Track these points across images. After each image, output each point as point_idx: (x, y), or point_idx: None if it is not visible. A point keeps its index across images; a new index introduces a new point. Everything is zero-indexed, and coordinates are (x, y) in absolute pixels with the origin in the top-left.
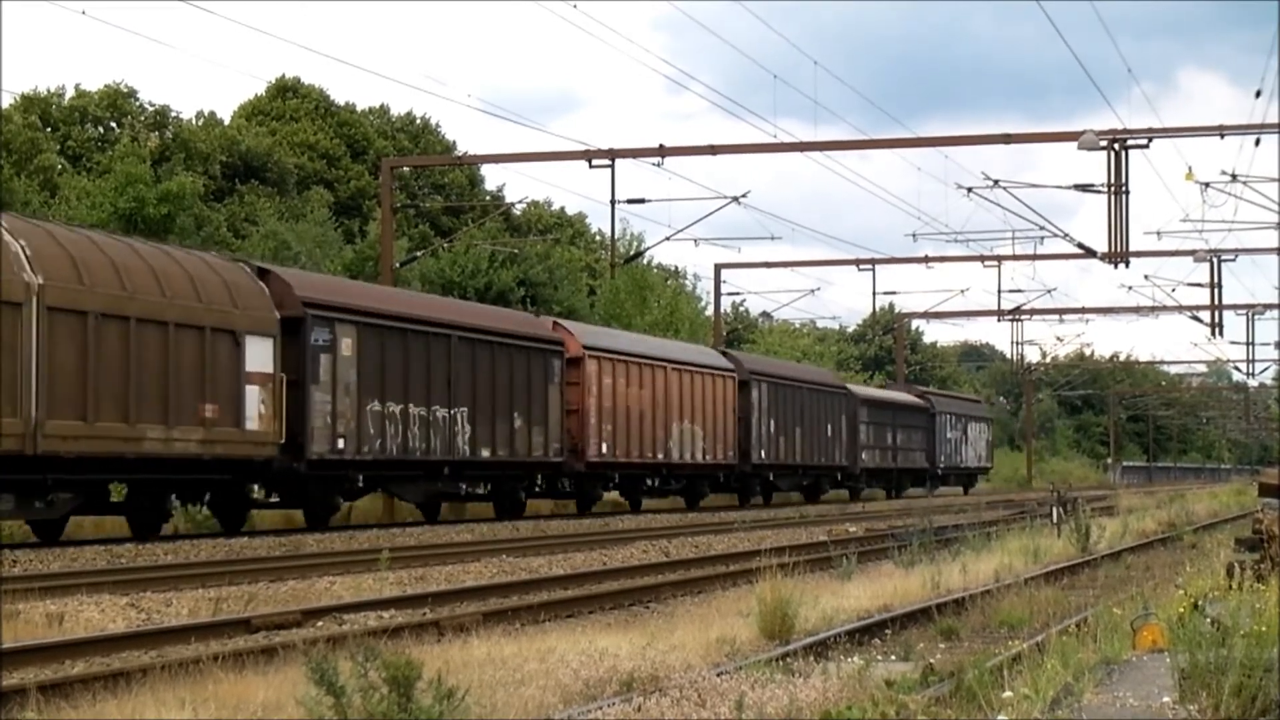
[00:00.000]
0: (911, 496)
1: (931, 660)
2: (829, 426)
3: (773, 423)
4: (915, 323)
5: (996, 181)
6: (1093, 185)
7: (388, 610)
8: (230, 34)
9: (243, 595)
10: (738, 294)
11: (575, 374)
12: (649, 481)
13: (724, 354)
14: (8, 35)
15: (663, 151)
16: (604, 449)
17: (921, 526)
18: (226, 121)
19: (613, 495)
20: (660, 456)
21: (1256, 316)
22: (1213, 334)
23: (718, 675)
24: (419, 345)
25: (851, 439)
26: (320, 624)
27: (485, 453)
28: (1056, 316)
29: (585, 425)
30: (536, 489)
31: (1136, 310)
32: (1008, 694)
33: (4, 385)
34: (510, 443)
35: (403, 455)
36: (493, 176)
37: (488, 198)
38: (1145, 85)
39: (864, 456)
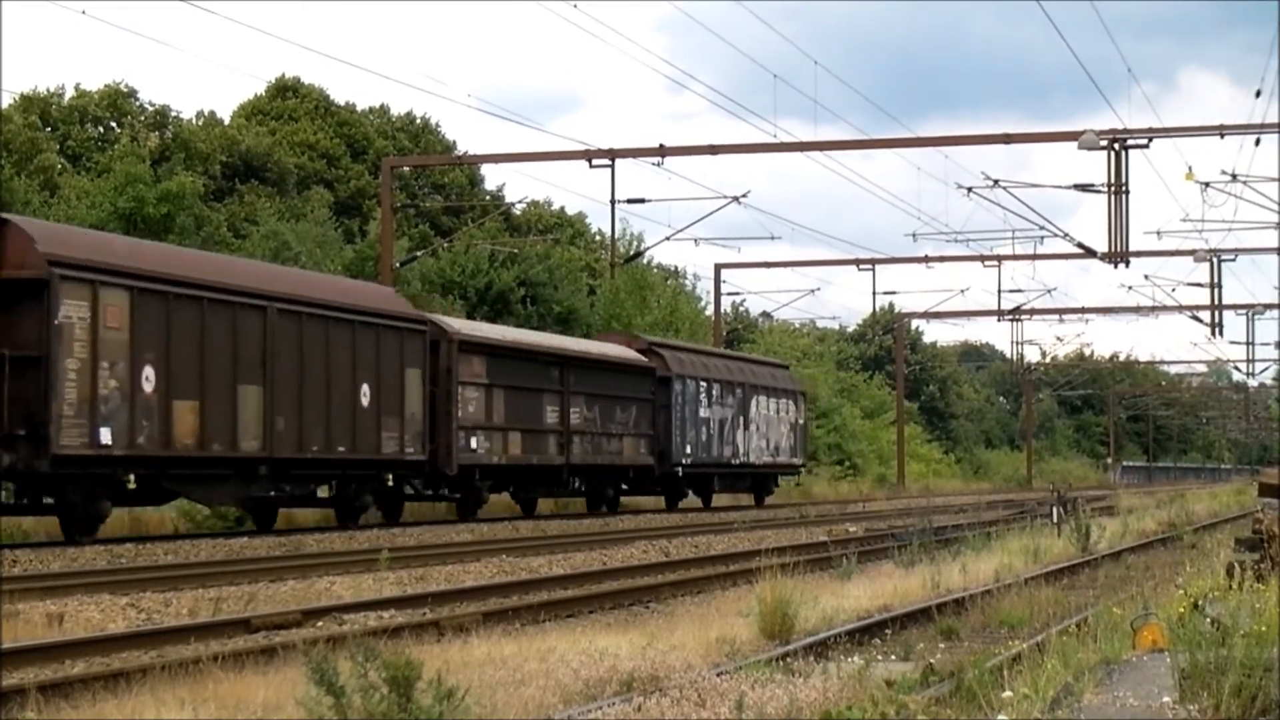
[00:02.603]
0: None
1: (932, 660)
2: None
3: None
4: (915, 323)
5: (996, 181)
6: (1093, 185)
7: (388, 610)
8: (230, 34)
9: (242, 595)
10: (738, 294)
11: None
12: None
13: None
14: (8, 35)
15: (663, 151)
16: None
17: (921, 526)
18: (226, 121)
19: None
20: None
21: (1256, 316)
22: (1213, 334)
23: (718, 675)
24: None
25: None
26: (320, 624)
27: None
28: (1056, 316)
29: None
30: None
31: (1136, 310)
32: (1008, 694)
33: None
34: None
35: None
36: (492, 176)
37: (487, 198)
38: (1145, 85)
39: (480, 446)
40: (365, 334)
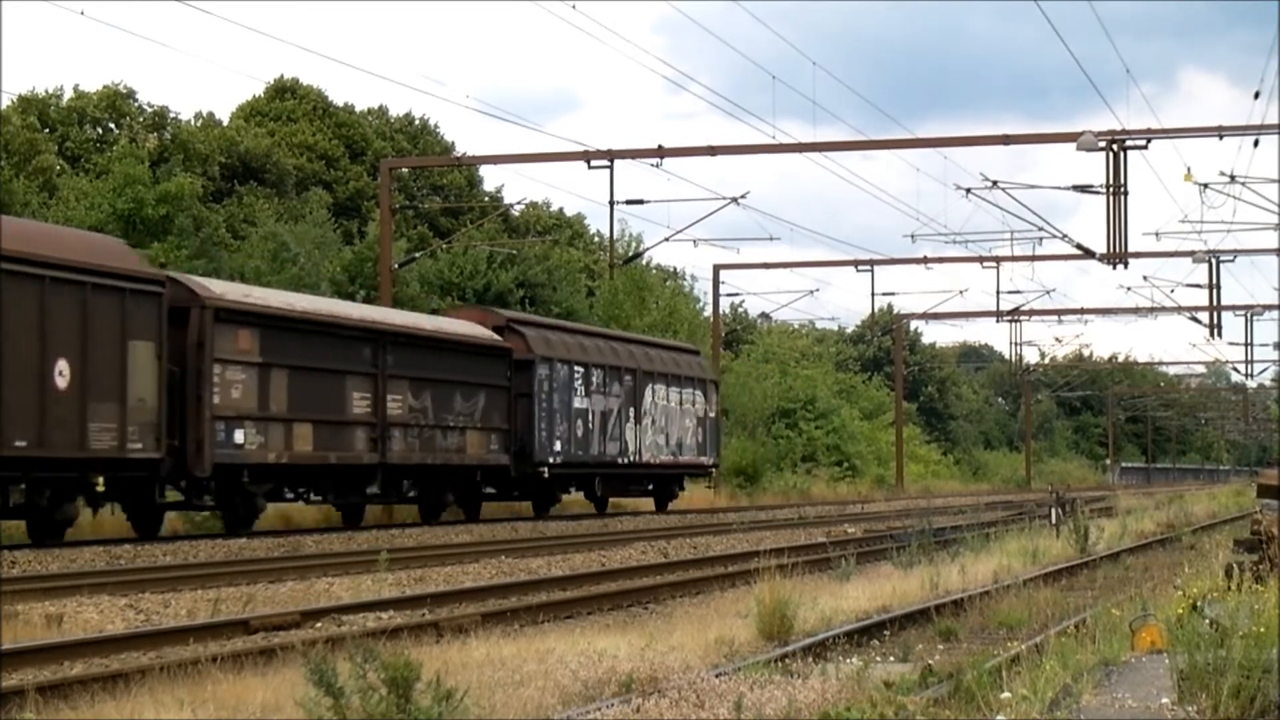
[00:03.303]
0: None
1: (930, 661)
2: None
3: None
4: (914, 324)
5: (995, 182)
6: (1091, 186)
7: (387, 611)
8: (229, 34)
9: (241, 596)
10: (737, 295)
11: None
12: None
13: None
14: (7, 36)
15: (662, 152)
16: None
17: (920, 528)
18: (225, 122)
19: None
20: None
21: (1255, 317)
22: (1211, 335)
23: (716, 676)
24: None
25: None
26: (319, 625)
27: None
28: (1055, 317)
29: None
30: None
31: (1135, 311)
32: (1006, 695)
33: None
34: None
35: None
36: (491, 177)
37: (486, 199)
38: (1145, 86)
39: (248, 441)
40: (62, 295)
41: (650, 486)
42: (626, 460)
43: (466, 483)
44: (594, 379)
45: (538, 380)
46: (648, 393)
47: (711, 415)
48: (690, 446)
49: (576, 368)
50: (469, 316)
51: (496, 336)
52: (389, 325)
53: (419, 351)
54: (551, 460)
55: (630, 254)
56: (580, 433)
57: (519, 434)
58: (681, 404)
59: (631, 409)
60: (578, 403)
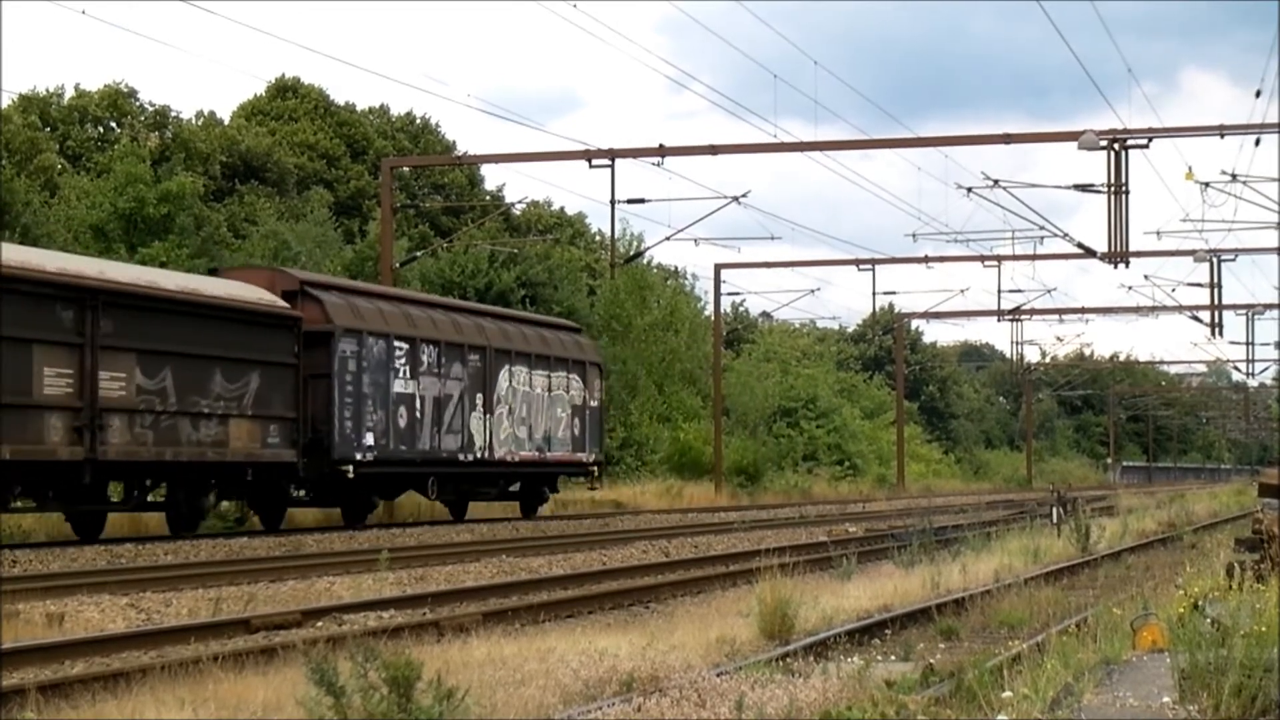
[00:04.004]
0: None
1: (931, 660)
2: None
3: None
4: (915, 323)
5: (996, 181)
6: (1093, 185)
7: (387, 610)
8: (230, 34)
9: (242, 595)
10: (738, 294)
11: None
12: None
13: None
14: (8, 35)
15: (663, 151)
16: None
17: (921, 527)
18: (226, 121)
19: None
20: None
21: (1256, 316)
22: (1212, 334)
23: (717, 675)
24: None
25: None
26: (320, 624)
27: None
28: (1056, 316)
29: None
30: None
31: (1136, 310)
32: (1008, 694)
33: None
34: None
35: None
36: (492, 176)
37: (487, 198)
38: (1146, 85)
39: None
40: None
41: (510, 488)
42: (473, 457)
43: (237, 484)
44: (424, 357)
45: (339, 357)
46: (503, 376)
47: (594, 404)
48: (563, 441)
49: (398, 343)
50: (252, 278)
51: (280, 302)
52: (104, 282)
53: (155, 317)
54: (359, 457)
55: (631, 253)
56: (404, 423)
57: (312, 424)
58: (551, 390)
59: (480, 395)
60: (399, 386)
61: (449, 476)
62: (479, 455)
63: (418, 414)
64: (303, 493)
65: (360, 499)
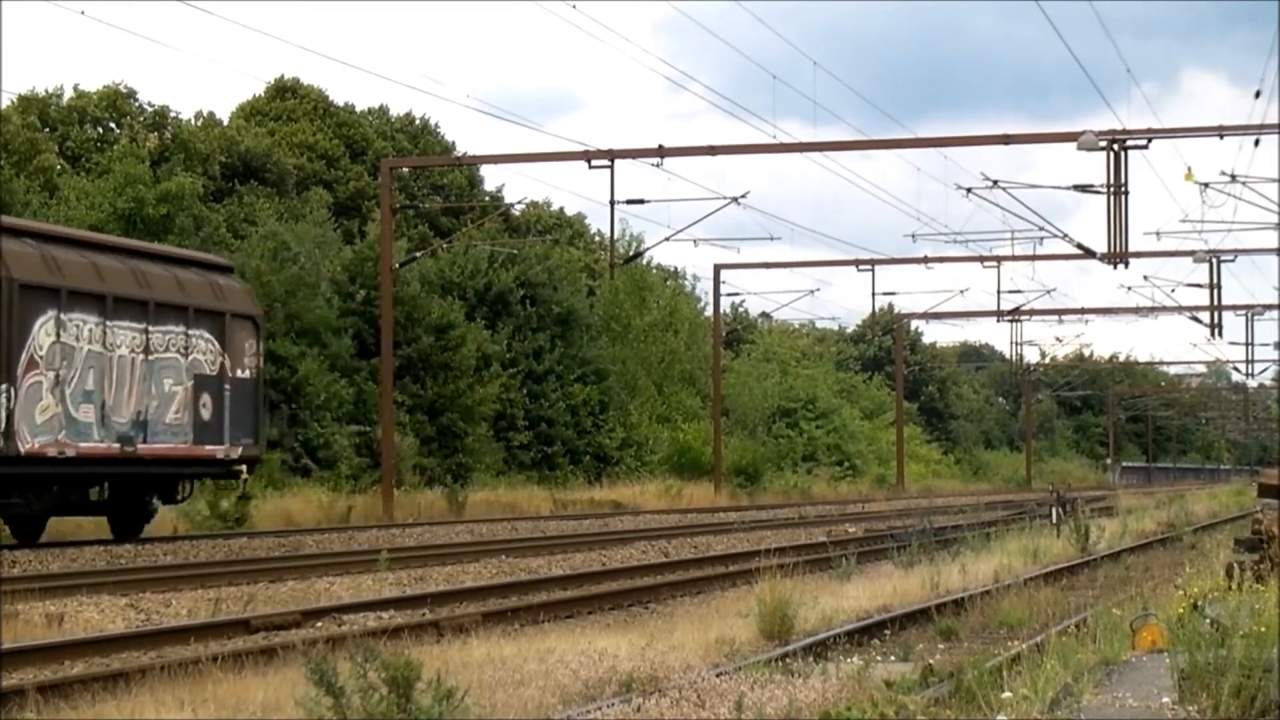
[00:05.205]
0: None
1: (931, 661)
2: None
3: None
4: (915, 323)
5: (996, 182)
6: (1092, 186)
7: (387, 611)
8: (230, 34)
9: (242, 596)
10: (737, 294)
11: None
12: None
13: None
14: (7, 35)
15: (662, 152)
16: None
17: (921, 527)
18: (225, 122)
19: None
20: None
21: (1256, 317)
22: (1212, 334)
23: (717, 676)
24: None
25: None
26: (319, 624)
27: None
28: (1056, 317)
29: None
30: None
31: (1136, 311)
32: (1007, 694)
33: None
34: None
35: None
36: (492, 177)
37: (487, 198)
38: (1145, 86)
39: None
40: None
41: (72, 496)
42: None
43: None
44: None
45: None
46: (48, 326)
47: (244, 375)
48: (179, 427)
49: None
50: None
51: None
52: None
53: None
54: None
55: (631, 254)
56: None
57: None
58: (150, 349)
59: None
60: None
61: None
62: None
63: None
64: None
65: None
